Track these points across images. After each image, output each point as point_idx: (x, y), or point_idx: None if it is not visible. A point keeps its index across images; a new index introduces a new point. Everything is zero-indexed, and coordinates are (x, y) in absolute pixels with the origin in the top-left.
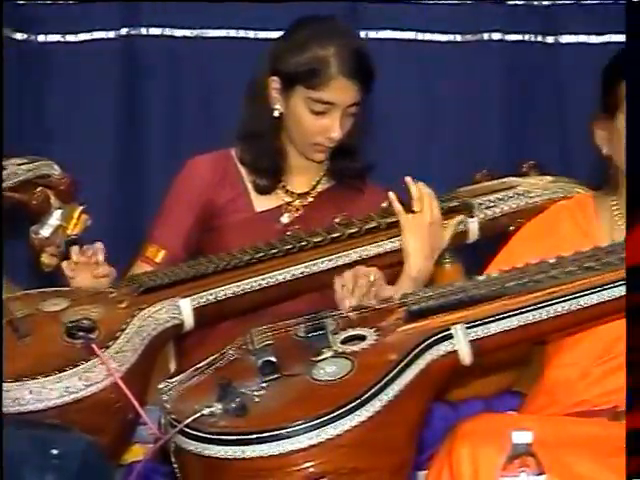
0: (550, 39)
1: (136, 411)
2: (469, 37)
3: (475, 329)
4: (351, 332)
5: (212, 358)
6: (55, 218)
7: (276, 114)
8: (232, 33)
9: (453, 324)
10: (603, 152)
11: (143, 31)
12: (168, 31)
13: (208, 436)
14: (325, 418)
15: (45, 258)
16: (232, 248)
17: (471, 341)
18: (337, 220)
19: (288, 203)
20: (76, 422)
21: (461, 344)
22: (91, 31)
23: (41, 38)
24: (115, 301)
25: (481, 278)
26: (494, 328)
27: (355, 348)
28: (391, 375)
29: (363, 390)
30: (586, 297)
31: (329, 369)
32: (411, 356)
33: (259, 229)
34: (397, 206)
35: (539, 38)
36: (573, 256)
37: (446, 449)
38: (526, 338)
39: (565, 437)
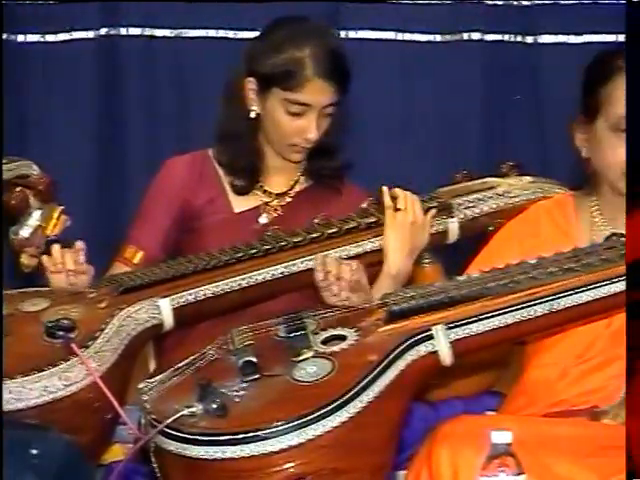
0: (529, 39)
1: (116, 411)
2: (449, 37)
3: (456, 330)
4: (332, 332)
5: (192, 358)
6: (34, 219)
7: (253, 115)
8: (212, 33)
9: (434, 325)
10: (582, 154)
11: (122, 31)
12: (148, 31)
13: (188, 436)
14: (306, 419)
15: (25, 259)
16: (211, 249)
17: (451, 342)
18: (316, 220)
19: (266, 203)
20: (55, 422)
21: (441, 345)
22: (70, 31)
23: (20, 38)
24: (95, 301)
25: (461, 279)
26: (475, 329)
27: (335, 348)
28: (371, 376)
29: (344, 391)
30: (566, 298)
31: (310, 369)
32: (391, 357)
33: (238, 230)
34: (387, 200)
35: (518, 38)
36: (553, 257)
37: (426, 450)
38: (506, 338)
39: (544, 437)
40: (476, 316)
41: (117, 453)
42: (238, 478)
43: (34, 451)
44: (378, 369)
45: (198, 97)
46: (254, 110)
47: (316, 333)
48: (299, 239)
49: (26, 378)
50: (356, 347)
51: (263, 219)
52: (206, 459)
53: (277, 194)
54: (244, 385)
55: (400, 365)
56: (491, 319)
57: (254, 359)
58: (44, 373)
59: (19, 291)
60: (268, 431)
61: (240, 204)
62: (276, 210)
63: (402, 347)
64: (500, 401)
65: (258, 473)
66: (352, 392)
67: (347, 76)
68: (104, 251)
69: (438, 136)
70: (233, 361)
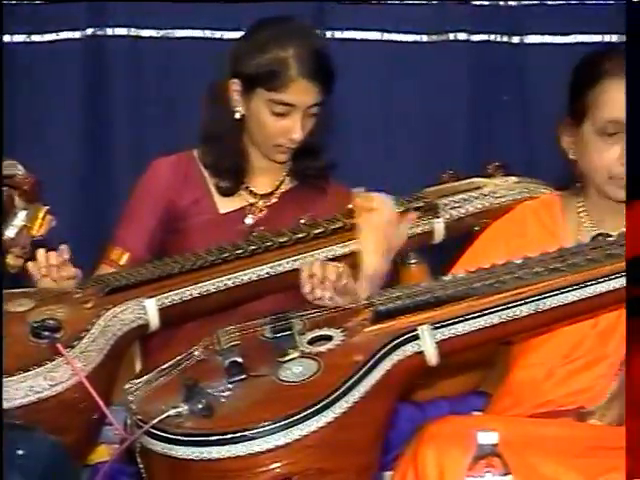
0: (516, 39)
1: (101, 411)
2: (435, 37)
3: (441, 330)
4: (318, 332)
5: (178, 358)
6: (20, 219)
7: (237, 116)
8: (198, 33)
9: (419, 325)
10: (569, 156)
11: (109, 31)
12: (134, 31)
13: (174, 437)
14: (292, 419)
15: (10, 259)
16: (196, 250)
17: (438, 342)
18: (302, 220)
19: (252, 204)
20: (41, 422)
21: (427, 345)
22: (57, 31)
23: (6, 38)
24: (80, 301)
25: (447, 279)
26: (460, 329)
27: (321, 349)
28: (357, 376)
29: (330, 391)
30: (552, 298)
31: (296, 370)
32: (377, 357)
33: (223, 231)
34: (360, 202)
35: (505, 38)
36: (539, 257)
37: (412, 451)
38: (492, 339)
39: (531, 438)
40: (462, 316)
41: (103, 453)
42: (224, 478)
43: (19, 452)
44: (364, 369)
45: (184, 97)
46: (239, 111)
47: (302, 333)
48: (285, 239)
49: (12, 378)
50: (342, 347)
51: (249, 220)
52: (192, 459)
53: (262, 195)
54: (230, 385)
55: (386, 365)
56: (477, 319)
57: (240, 359)
58: (29, 373)
59: (5, 292)
60: (254, 431)
61: (225, 205)
62: (262, 211)
63: (388, 347)
64: (486, 401)
65: (244, 473)
66: (338, 392)
67: (331, 76)
68: (90, 251)
69: (424, 136)
70: (219, 361)
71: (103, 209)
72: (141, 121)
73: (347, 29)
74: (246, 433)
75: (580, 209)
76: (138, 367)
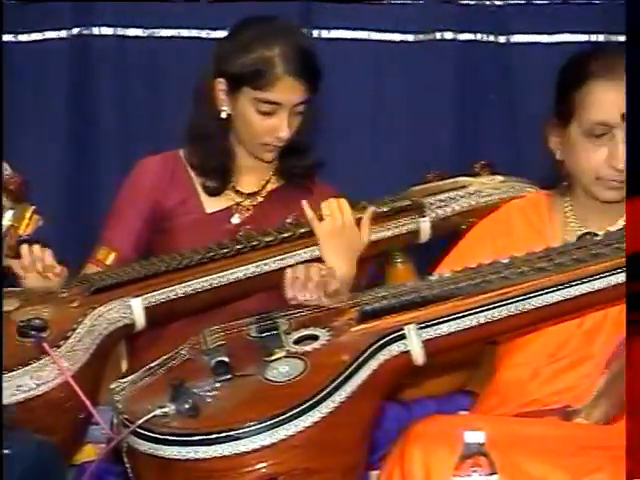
0: (502, 39)
1: (88, 411)
2: (421, 37)
3: (428, 329)
4: (304, 332)
5: (164, 358)
6: (7, 219)
7: (223, 115)
8: (184, 33)
9: (406, 324)
10: (556, 156)
11: (95, 31)
12: (120, 31)
13: (160, 436)
14: (278, 419)
15: None
16: (183, 249)
17: (424, 341)
18: (288, 220)
19: (238, 203)
20: (27, 421)
21: (414, 344)
22: (43, 31)
23: None
24: (66, 301)
25: (434, 278)
26: (447, 328)
27: (308, 348)
28: (344, 376)
29: (316, 391)
30: (538, 298)
31: (282, 369)
32: (364, 356)
33: (210, 230)
34: (309, 212)
35: (491, 38)
36: (525, 256)
37: (398, 450)
38: (479, 338)
39: (517, 437)
40: (448, 316)
41: (89, 453)
42: (210, 478)
43: (6, 451)
44: (350, 369)
45: (170, 97)
46: (225, 110)
47: (288, 333)
48: (271, 239)
49: None
50: (328, 347)
51: (235, 219)
52: (178, 459)
53: (249, 194)
54: (216, 385)
55: (372, 365)
56: (463, 319)
57: (226, 359)
58: (16, 372)
59: None
60: (240, 431)
61: (212, 204)
62: (248, 210)
63: (374, 347)
64: (473, 401)
65: (231, 473)
66: (324, 392)
67: (317, 74)
68: (76, 251)
69: (410, 135)
70: (205, 361)
71: (89, 209)
72: (127, 121)
73: (334, 28)
74: (232, 433)
75: (567, 208)
76: (124, 366)
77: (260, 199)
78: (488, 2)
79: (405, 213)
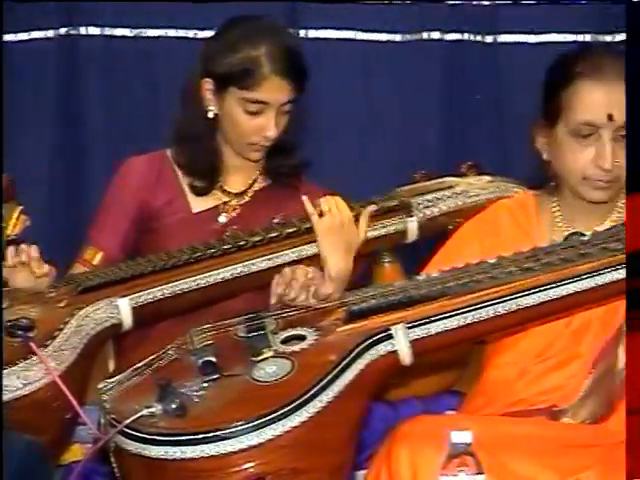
0: (489, 38)
1: (75, 410)
2: (409, 36)
3: (415, 329)
4: (291, 332)
5: (151, 358)
6: None
7: (210, 115)
8: (172, 33)
9: (393, 324)
10: (543, 157)
11: (82, 30)
12: (107, 30)
13: (147, 436)
14: (265, 419)
15: None
16: (170, 249)
17: (411, 341)
18: (275, 220)
19: (225, 203)
20: (14, 421)
21: (401, 344)
22: (30, 31)
23: None
24: (54, 300)
25: (421, 278)
26: (434, 328)
27: (295, 348)
28: (331, 375)
29: (303, 390)
30: (525, 297)
31: (269, 369)
32: (351, 356)
33: (197, 230)
34: (310, 208)
35: (478, 37)
36: (513, 256)
37: (385, 450)
38: (466, 338)
39: (504, 437)
40: (435, 316)
41: (76, 453)
42: (198, 478)
43: None
44: (338, 369)
45: (158, 96)
46: (212, 110)
47: (275, 333)
48: (258, 238)
49: None
50: (316, 347)
51: (222, 219)
52: (165, 459)
53: (236, 193)
54: (204, 385)
55: (360, 365)
56: (451, 319)
57: (214, 359)
58: (3, 372)
59: None
60: (227, 431)
61: (199, 204)
62: (235, 209)
63: (362, 347)
64: (460, 401)
65: (218, 473)
66: (312, 392)
67: (304, 73)
68: (63, 251)
69: (398, 135)
70: (192, 361)
71: (76, 209)
72: (114, 121)
73: (320, 28)
74: (219, 433)
75: (554, 209)
76: (112, 366)
77: (247, 198)
78: (475, 2)
79: (392, 213)
